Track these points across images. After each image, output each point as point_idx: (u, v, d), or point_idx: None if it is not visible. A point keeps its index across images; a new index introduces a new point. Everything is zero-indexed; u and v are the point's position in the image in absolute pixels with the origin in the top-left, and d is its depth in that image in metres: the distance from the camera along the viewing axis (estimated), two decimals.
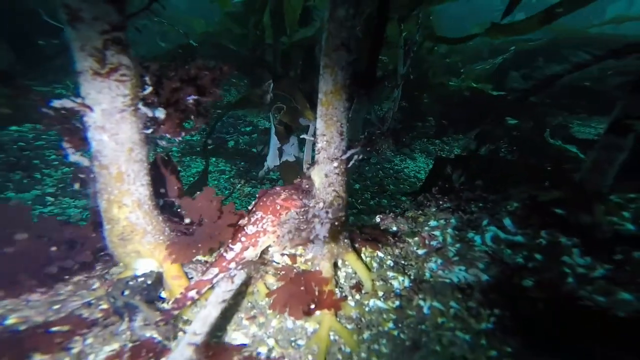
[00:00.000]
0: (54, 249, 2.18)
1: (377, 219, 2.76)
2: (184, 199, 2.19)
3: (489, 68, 9.40)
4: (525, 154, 6.44)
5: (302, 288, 1.95)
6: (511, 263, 2.21)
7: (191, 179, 5.85)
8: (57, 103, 1.65)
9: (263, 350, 1.95)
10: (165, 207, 2.28)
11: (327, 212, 1.99)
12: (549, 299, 2.00)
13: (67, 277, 2.27)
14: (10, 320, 2.02)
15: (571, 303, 1.95)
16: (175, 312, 2.03)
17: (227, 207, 2.11)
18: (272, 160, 5.69)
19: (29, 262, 2.10)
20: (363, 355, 1.93)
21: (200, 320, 1.90)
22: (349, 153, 1.94)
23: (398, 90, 6.14)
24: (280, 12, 5.27)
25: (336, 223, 2.03)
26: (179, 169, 6.04)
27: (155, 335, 1.98)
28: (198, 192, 2.17)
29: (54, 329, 1.96)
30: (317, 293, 2.00)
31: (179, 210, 2.43)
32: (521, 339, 1.89)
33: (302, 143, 5.86)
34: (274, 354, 1.93)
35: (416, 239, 2.55)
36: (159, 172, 2.33)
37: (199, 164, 6.30)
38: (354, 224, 2.72)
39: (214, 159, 6.49)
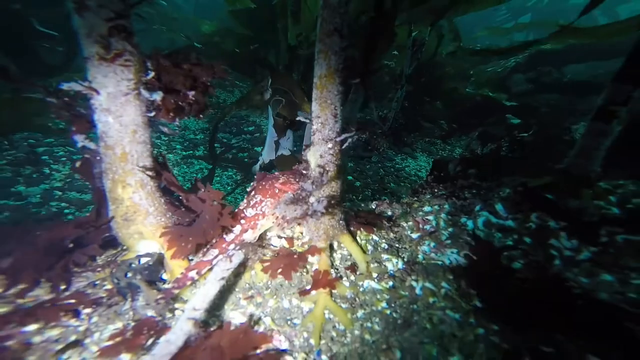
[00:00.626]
0: (71, 245, 2.27)
1: (373, 205, 2.82)
2: (189, 195, 2.25)
3: (501, 71, 9.30)
4: (527, 154, 6.45)
5: (295, 256, 2.02)
6: (501, 246, 2.27)
7: (194, 175, 5.95)
8: (66, 86, 1.75)
9: (260, 328, 2.02)
10: (165, 190, 2.36)
11: (321, 189, 2.05)
12: (536, 280, 2.05)
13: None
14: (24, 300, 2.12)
15: (557, 285, 2.00)
16: (176, 292, 2.10)
17: (227, 210, 2.14)
18: (267, 154, 5.62)
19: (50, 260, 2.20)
20: (356, 332, 1.99)
21: (199, 297, 1.96)
22: (343, 136, 2.01)
23: (402, 90, 6.18)
24: (297, 15, 5.31)
25: (332, 201, 2.10)
26: (184, 166, 6.12)
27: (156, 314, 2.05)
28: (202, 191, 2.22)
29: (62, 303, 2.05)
30: (311, 268, 2.06)
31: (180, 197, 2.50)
32: (508, 318, 1.94)
33: (296, 139, 5.88)
34: (269, 332, 2.00)
35: (410, 223, 2.61)
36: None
37: (202, 162, 6.41)
38: (350, 209, 2.78)
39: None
